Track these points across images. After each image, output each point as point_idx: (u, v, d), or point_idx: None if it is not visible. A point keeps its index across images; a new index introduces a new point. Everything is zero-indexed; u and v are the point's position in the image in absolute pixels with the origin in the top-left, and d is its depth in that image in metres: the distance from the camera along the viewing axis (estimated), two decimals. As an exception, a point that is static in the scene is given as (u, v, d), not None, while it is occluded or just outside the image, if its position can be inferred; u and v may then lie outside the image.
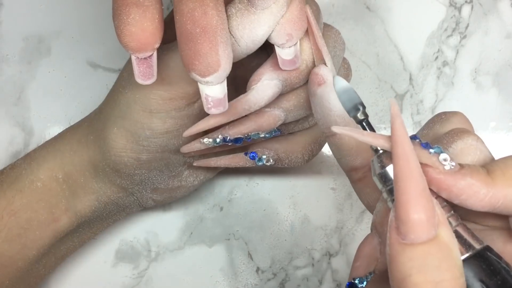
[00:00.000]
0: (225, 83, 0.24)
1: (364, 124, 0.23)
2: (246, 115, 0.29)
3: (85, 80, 0.39)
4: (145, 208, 0.36)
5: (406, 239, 0.19)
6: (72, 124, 0.34)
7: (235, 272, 0.38)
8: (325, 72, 0.25)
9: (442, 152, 0.20)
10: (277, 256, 0.39)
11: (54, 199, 0.32)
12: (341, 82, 0.24)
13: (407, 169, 0.19)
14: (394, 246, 0.19)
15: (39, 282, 0.34)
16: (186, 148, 0.31)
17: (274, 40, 0.25)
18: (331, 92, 0.25)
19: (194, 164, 0.33)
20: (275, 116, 0.29)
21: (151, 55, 0.23)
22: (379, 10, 0.41)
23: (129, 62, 0.30)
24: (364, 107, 0.23)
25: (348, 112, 0.23)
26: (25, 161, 0.32)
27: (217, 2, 0.23)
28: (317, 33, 0.26)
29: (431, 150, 0.20)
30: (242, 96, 0.28)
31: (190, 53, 0.22)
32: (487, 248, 0.20)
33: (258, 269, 0.39)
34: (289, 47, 0.25)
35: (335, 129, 0.22)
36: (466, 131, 0.22)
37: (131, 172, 0.31)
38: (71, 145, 0.32)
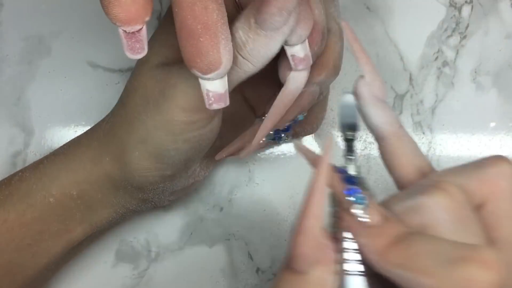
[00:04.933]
0: (225, 78, 0.23)
1: (347, 144, 0.24)
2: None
3: (85, 80, 0.39)
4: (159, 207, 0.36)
5: (288, 265, 0.21)
6: (72, 125, 0.34)
7: (235, 272, 0.38)
8: (360, 85, 0.25)
9: (360, 203, 0.21)
10: (277, 256, 0.39)
11: (68, 213, 0.31)
12: (347, 97, 0.25)
13: (309, 201, 0.21)
14: (281, 269, 0.22)
15: (44, 285, 0.34)
16: (244, 154, 0.31)
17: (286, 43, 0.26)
18: (364, 105, 0.25)
19: (216, 158, 0.33)
20: (313, 92, 0.30)
21: (141, 29, 0.21)
22: (379, 10, 0.41)
23: (136, 88, 0.29)
24: (356, 129, 0.24)
25: (340, 126, 0.24)
26: (35, 174, 0.31)
27: None
28: (359, 49, 0.26)
29: (350, 198, 0.22)
30: (282, 90, 0.28)
31: (191, 50, 0.22)
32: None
33: (258, 269, 0.39)
34: (298, 44, 0.26)
35: (295, 146, 0.27)
36: (443, 188, 0.21)
37: (155, 187, 0.31)
38: (84, 164, 0.30)
